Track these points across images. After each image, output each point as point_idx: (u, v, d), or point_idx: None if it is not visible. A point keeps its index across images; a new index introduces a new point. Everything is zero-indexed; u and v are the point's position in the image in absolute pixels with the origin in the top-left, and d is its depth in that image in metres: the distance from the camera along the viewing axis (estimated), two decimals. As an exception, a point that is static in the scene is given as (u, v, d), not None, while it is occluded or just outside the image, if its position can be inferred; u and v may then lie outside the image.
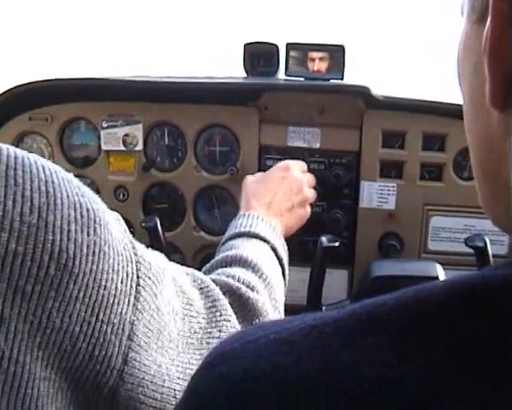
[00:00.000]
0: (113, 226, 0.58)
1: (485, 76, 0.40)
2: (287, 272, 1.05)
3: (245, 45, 1.48)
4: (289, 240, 1.45)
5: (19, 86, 1.47)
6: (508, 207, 0.43)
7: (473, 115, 0.46)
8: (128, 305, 0.56)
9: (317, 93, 1.44)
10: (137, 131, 1.48)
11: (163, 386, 0.59)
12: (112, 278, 0.54)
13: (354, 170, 1.45)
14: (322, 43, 1.47)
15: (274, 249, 1.02)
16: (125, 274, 0.56)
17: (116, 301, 0.54)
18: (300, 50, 1.46)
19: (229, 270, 0.88)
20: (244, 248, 0.97)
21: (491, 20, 0.38)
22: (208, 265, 0.94)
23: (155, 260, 0.66)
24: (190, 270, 0.81)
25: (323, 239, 1.30)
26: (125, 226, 0.63)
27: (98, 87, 1.47)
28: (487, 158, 0.45)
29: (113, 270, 0.54)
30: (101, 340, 0.52)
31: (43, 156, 1.48)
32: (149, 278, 0.61)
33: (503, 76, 0.39)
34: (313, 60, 1.46)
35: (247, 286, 0.82)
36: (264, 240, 1.01)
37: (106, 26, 1.76)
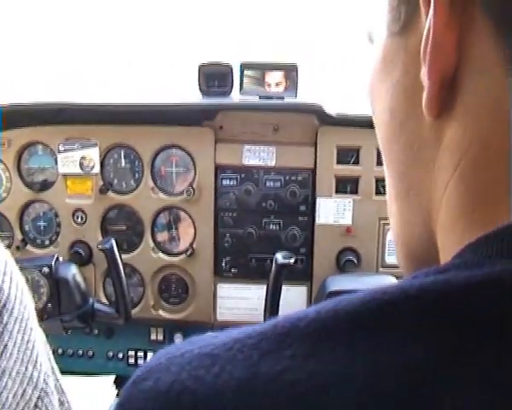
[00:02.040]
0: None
1: (411, 86, 0.40)
2: None
3: (199, 66, 1.49)
4: (247, 258, 1.46)
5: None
6: (423, 232, 0.43)
7: (391, 127, 0.44)
8: None
9: (271, 112, 1.46)
10: (94, 154, 1.48)
11: None
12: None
13: (310, 187, 1.46)
14: (275, 63, 1.49)
15: None
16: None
17: None
18: (254, 70, 1.48)
19: None
20: None
21: (433, 13, 0.37)
22: None
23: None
24: None
25: (278, 256, 1.30)
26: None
27: (54, 111, 1.48)
28: (412, 173, 0.44)
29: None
30: None
31: (0, 181, 1.48)
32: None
33: (442, 75, 0.38)
34: (267, 80, 1.47)
35: None
36: None
37: (105, 26, 1.75)
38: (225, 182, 1.47)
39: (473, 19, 0.36)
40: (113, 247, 1.34)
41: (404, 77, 0.41)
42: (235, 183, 1.47)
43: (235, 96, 1.50)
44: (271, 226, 1.48)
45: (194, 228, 1.49)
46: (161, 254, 1.51)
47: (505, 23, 0.35)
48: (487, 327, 0.31)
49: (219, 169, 1.47)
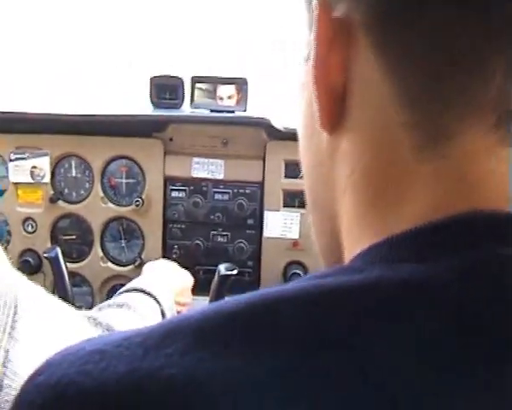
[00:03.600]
0: None
1: (312, 104, 0.41)
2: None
3: (151, 78, 1.50)
4: (194, 270, 1.47)
5: None
6: (331, 241, 0.45)
7: (305, 143, 0.46)
8: (3, 333, 0.56)
9: (221, 125, 1.47)
10: (45, 164, 1.49)
11: None
12: None
13: (258, 200, 1.47)
14: (226, 77, 1.50)
15: (157, 301, 1.08)
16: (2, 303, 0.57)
17: None
18: (205, 83, 1.49)
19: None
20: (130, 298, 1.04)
21: (315, 39, 0.39)
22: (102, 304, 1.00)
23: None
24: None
25: (221, 267, 1.31)
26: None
27: (6, 120, 1.49)
28: (317, 186, 0.46)
29: None
30: None
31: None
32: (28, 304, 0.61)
33: (330, 93, 0.40)
34: (220, 94, 1.49)
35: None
36: (149, 294, 1.07)
37: (106, 27, 1.76)
38: (174, 194, 1.48)
39: (356, 39, 0.38)
40: (58, 255, 1.35)
41: (309, 96, 0.43)
42: (183, 195, 1.48)
43: (186, 109, 1.51)
44: (219, 239, 1.49)
45: (143, 239, 1.50)
46: (110, 264, 1.51)
47: (383, 42, 0.37)
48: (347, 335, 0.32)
49: (168, 181, 1.48)
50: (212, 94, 1.50)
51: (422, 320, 0.33)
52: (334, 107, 0.40)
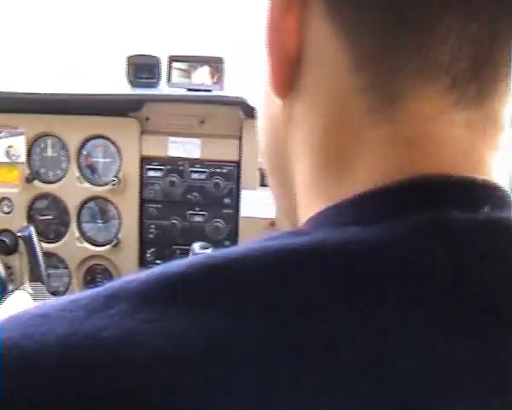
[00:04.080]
0: None
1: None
2: None
3: (128, 57, 1.50)
4: (171, 250, 1.47)
5: None
6: (291, 203, 0.44)
7: (261, 109, 0.46)
8: None
9: (197, 104, 1.46)
10: (21, 143, 1.48)
11: None
12: None
13: (235, 179, 1.47)
14: (202, 56, 1.49)
15: None
16: None
17: None
18: (182, 62, 1.49)
19: None
20: None
21: (270, 3, 0.38)
22: None
23: None
24: None
25: (195, 246, 1.31)
26: None
27: (-19, 99, 1.48)
28: (273, 152, 0.45)
29: None
30: None
31: None
32: None
33: (284, 57, 0.39)
34: (195, 72, 1.48)
35: None
36: None
37: (102, 19, 1.73)
38: (150, 173, 1.47)
39: (313, 3, 0.38)
40: (31, 234, 1.35)
41: (264, 62, 0.42)
42: (160, 174, 1.47)
43: (163, 88, 1.51)
44: (196, 218, 1.49)
45: (120, 218, 1.50)
46: (87, 244, 1.51)
47: (336, 5, 0.37)
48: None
49: (145, 160, 1.48)
50: (190, 73, 1.49)
51: (361, 280, 0.32)
52: (288, 71, 0.39)
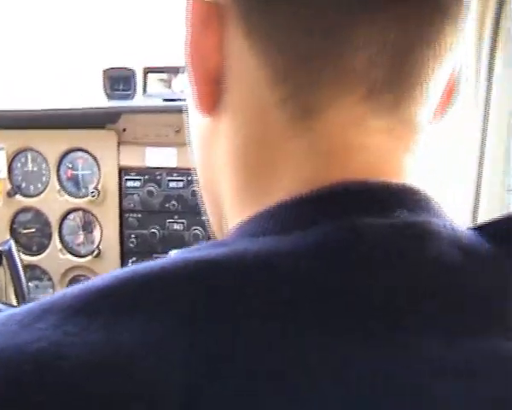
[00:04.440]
0: None
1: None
2: None
3: (104, 70, 1.52)
4: (152, 258, 1.48)
5: None
6: (221, 218, 0.45)
7: (190, 124, 0.47)
8: None
9: (173, 113, 1.48)
10: (1, 158, 1.51)
11: None
12: None
13: (212, 187, 1.48)
14: (178, 66, 1.51)
15: None
16: None
17: None
18: (157, 73, 1.51)
19: None
20: None
21: (189, 24, 0.39)
22: None
23: None
24: None
25: (171, 253, 1.32)
26: None
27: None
28: (202, 167, 0.46)
29: None
30: None
31: None
32: None
33: (206, 76, 0.40)
34: (175, 80, 1.50)
35: None
36: None
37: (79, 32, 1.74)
38: (129, 184, 1.49)
39: (227, 20, 0.39)
40: (11, 248, 1.37)
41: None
42: (138, 184, 1.49)
43: (140, 99, 1.53)
44: (175, 226, 1.50)
45: (101, 229, 1.52)
46: (69, 256, 1.53)
47: (250, 23, 0.37)
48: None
49: (123, 171, 1.50)
50: (168, 83, 1.51)
51: (264, 292, 0.33)
52: (211, 89, 0.40)
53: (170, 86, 1.51)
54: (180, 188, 1.49)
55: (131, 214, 1.50)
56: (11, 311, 0.37)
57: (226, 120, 0.41)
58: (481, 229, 0.38)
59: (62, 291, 0.37)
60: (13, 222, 1.54)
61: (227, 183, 0.42)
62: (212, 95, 0.40)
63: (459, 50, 0.40)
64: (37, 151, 1.52)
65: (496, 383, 0.32)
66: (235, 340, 0.31)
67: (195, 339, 0.31)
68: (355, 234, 0.34)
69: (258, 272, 0.33)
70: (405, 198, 0.36)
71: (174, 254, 0.38)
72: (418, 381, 0.31)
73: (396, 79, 0.37)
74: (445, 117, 0.45)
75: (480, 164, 1.24)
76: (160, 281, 0.34)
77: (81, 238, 1.54)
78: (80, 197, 1.52)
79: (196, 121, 0.45)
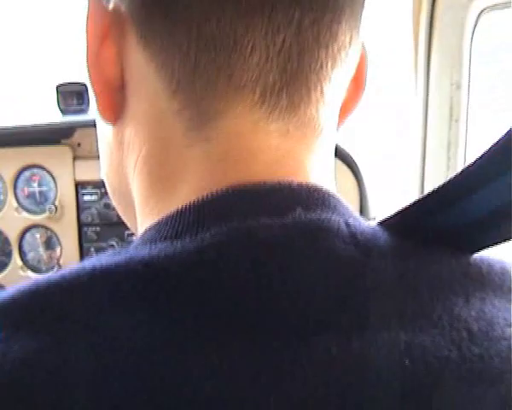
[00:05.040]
0: None
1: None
2: None
3: (57, 86, 1.52)
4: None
5: None
6: (134, 223, 0.46)
7: (98, 131, 0.48)
8: None
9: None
10: (-42, 178, 1.51)
11: None
12: None
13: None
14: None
15: None
16: None
17: None
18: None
19: None
20: None
21: (87, 35, 0.40)
22: None
23: None
24: None
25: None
26: None
27: None
28: (111, 173, 0.47)
29: None
30: None
31: None
32: None
33: (107, 86, 0.41)
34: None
35: None
36: None
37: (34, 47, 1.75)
38: (86, 198, 1.50)
39: (126, 31, 0.40)
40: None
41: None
42: (95, 198, 1.50)
43: (93, 114, 1.53)
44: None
45: (60, 245, 1.52)
46: (30, 273, 1.53)
47: (146, 33, 0.38)
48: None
49: (79, 185, 1.50)
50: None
51: (162, 300, 0.33)
52: (112, 99, 0.41)
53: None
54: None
55: (90, 228, 1.51)
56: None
57: (130, 128, 0.42)
58: (383, 223, 0.39)
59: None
60: (-28, 241, 1.54)
61: (136, 191, 0.43)
62: (115, 104, 0.41)
63: (358, 45, 0.41)
64: (-6, 169, 1.52)
65: (392, 377, 0.32)
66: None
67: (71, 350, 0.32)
68: (244, 236, 0.34)
69: (141, 279, 0.34)
70: (303, 197, 0.37)
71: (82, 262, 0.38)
72: (320, 379, 0.31)
73: (290, 83, 0.37)
74: (354, 112, 0.46)
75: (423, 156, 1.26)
76: (56, 291, 0.35)
77: (41, 255, 1.54)
78: (38, 214, 1.52)
79: (103, 130, 0.46)
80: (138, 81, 0.40)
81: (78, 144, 1.49)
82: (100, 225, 1.51)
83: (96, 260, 0.37)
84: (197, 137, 0.39)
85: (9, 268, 1.54)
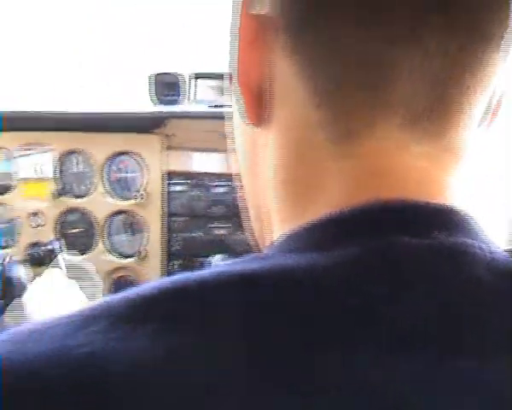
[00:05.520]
0: None
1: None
2: None
3: (151, 76, 1.54)
4: (196, 262, 1.51)
5: None
6: (263, 227, 0.46)
7: (236, 132, 0.48)
8: None
9: (219, 119, 1.50)
10: (49, 160, 1.54)
11: None
12: None
13: (256, 193, 1.50)
14: (225, 73, 1.52)
15: None
16: None
17: None
18: (205, 79, 1.53)
19: None
20: None
21: (240, 38, 0.41)
22: None
23: None
24: None
25: (215, 259, 1.35)
26: None
27: (11, 117, 1.53)
28: (248, 175, 0.48)
29: None
30: None
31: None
32: None
33: (253, 91, 0.41)
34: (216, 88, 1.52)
35: None
36: None
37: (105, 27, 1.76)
38: (174, 188, 1.51)
39: (274, 39, 0.40)
40: (57, 247, 1.39)
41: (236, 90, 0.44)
42: (184, 188, 1.52)
43: (186, 105, 1.55)
44: (220, 231, 1.52)
45: (146, 231, 1.54)
46: (114, 257, 1.56)
47: (295, 44, 0.39)
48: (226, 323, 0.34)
49: (169, 175, 1.52)
50: (216, 89, 1.53)
51: (303, 307, 0.33)
52: (258, 103, 0.42)
53: (221, 93, 1.53)
54: (226, 193, 1.51)
55: (176, 218, 1.53)
56: (63, 314, 0.37)
57: (272, 132, 0.42)
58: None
59: (109, 298, 0.38)
60: (59, 222, 1.57)
61: (272, 195, 0.43)
62: (258, 108, 0.42)
63: (503, 74, 0.40)
64: (85, 153, 1.54)
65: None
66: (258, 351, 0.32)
67: (228, 355, 0.32)
68: (388, 253, 0.35)
69: (293, 288, 0.34)
70: (445, 219, 0.37)
71: (214, 266, 0.39)
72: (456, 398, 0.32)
73: (438, 108, 0.37)
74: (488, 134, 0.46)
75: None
76: (200, 293, 0.35)
77: (126, 240, 1.56)
78: (125, 200, 1.54)
79: (242, 130, 0.46)
80: (284, 89, 0.41)
81: (171, 135, 1.51)
82: (186, 215, 1.52)
83: (230, 266, 0.38)
84: (341, 150, 0.39)
85: (93, 251, 1.56)
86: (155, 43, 1.67)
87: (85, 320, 0.36)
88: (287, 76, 0.40)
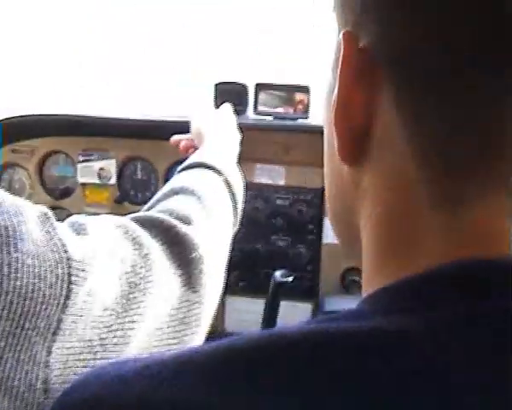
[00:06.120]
0: (36, 232, 0.54)
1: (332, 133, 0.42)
2: (239, 207, 1.02)
3: (216, 85, 1.54)
4: (255, 273, 1.50)
5: (3, 120, 1.55)
6: (359, 253, 0.45)
7: (327, 168, 0.47)
8: (57, 306, 0.53)
9: (283, 132, 1.49)
10: (111, 166, 1.54)
11: (95, 358, 0.57)
12: (39, 288, 0.51)
13: (318, 206, 1.49)
14: (289, 84, 1.52)
15: (227, 183, 0.97)
16: (54, 278, 0.53)
17: (44, 307, 0.52)
18: (269, 90, 1.52)
19: (168, 203, 0.80)
20: (190, 178, 0.90)
21: (339, 76, 0.40)
22: (153, 198, 0.86)
23: (86, 245, 0.59)
24: (121, 221, 0.71)
25: (277, 274, 1.34)
26: (52, 221, 0.57)
27: (75, 123, 1.55)
28: (341, 210, 0.47)
29: (40, 278, 0.51)
30: (27, 344, 0.51)
31: (23, 187, 1.56)
32: (83, 270, 0.56)
33: (351, 134, 0.40)
34: (279, 100, 1.51)
35: (184, 221, 0.74)
36: (218, 172, 0.95)
37: (167, 34, 1.78)
38: (236, 197, 1.51)
39: (383, 81, 0.39)
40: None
41: (330, 130, 0.43)
42: (245, 199, 1.51)
43: (250, 116, 1.54)
44: (279, 243, 1.52)
45: (205, 241, 1.54)
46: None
47: (404, 100, 0.38)
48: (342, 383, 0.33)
49: (230, 185, 1.51)
50: (283, 100, 1.52)
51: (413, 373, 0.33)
52: (356, 145, 0.41)
53: (284, 104, 1.52)
54: (286, 206, 1.50)
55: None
56: (146, 360, 0.38)
57: (369, 177, 0.41)
58: None
59: (194, 347, 0.38)
60: (119, 228, 1.57)
61: (366, 237, 0.43)
62: (356, 147, 0.41)
63: None
64: (147, 161, 1.54)
65: None
66: None
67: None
68: (502, 316, 0.34)
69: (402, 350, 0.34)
70: None
71: (305, 322, 0.38)
72: None
73: None
74: None
75: None
76: (295, 354, 0.35)
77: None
78: (186, 208, 1.54)
79: (335, 172, 0.45)
80: (386, 137, 0.39)
81: (236, 144, 1.50)
82: (247, 226, 1.52)
83: (329, 324, 0.37)
84: (443, 210, 0.38)
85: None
86: (155, 43, 1.67)
87: (172, 371, 0.36)
88: (391, 125, 0.39)
